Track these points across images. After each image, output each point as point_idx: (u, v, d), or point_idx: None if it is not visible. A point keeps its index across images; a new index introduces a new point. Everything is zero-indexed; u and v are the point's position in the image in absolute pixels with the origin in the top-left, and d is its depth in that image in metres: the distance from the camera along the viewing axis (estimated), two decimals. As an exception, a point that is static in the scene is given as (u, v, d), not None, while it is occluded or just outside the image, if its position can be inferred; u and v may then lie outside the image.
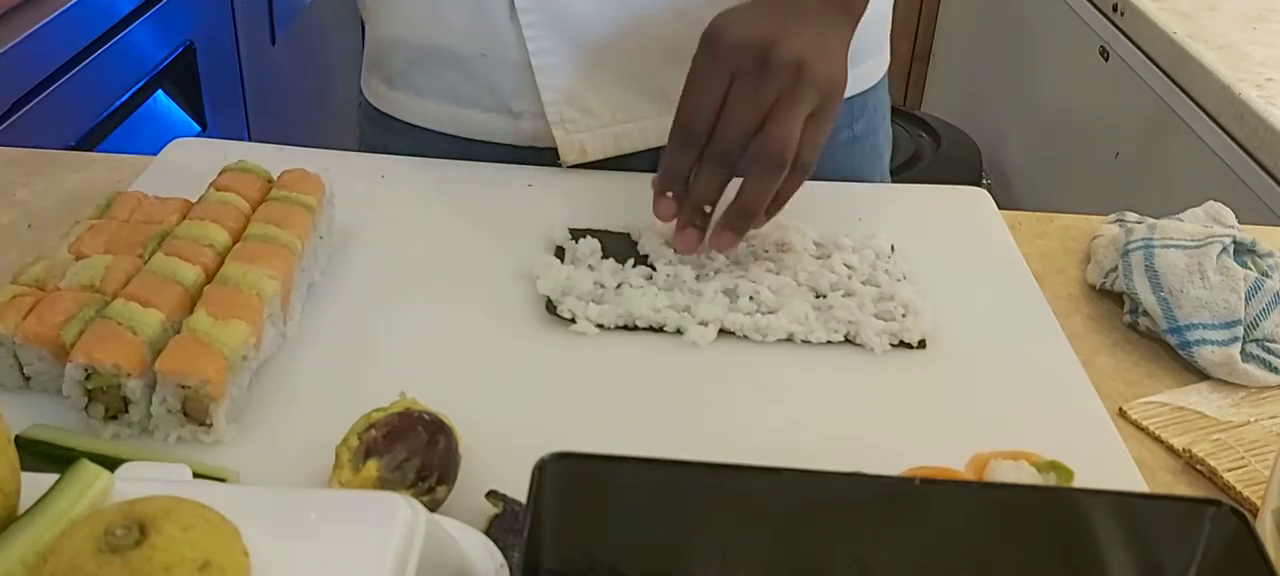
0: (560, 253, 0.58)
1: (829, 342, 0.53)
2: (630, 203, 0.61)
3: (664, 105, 0.64)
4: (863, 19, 0.66)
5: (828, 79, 0.52)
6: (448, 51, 0.65)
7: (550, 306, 0.53)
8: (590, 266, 0.56)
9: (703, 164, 0.53)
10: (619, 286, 0.55)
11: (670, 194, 0.55)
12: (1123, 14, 1.25)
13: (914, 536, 0.34)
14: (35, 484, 0.30)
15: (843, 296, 0.55)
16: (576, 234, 0.59)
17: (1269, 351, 0.54)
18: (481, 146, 0.67)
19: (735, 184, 0.54)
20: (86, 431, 0.44)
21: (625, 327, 0.53)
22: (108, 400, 0.44)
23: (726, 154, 0.52)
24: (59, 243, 0.51)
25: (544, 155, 0.66)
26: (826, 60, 0.52)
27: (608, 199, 0.63)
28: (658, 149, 0.65)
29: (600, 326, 0.53)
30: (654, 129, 0.65)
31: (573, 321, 0.53)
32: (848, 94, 0.68)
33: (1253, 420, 0.51)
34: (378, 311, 0.54)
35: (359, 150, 0.73)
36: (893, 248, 0.60)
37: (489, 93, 0.65)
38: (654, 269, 0.56)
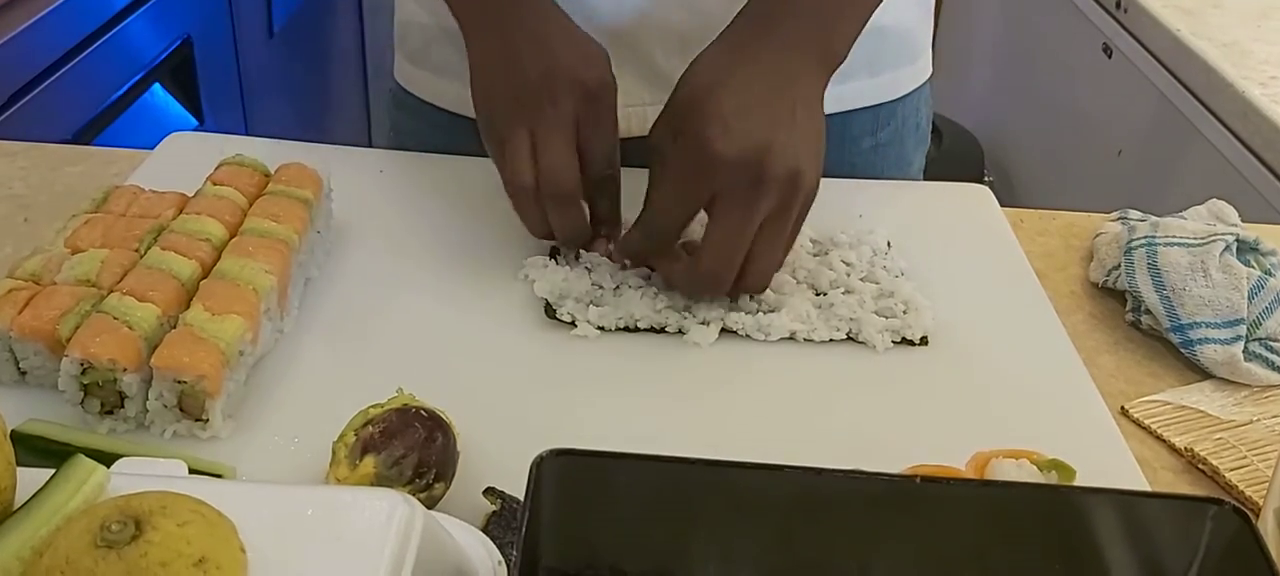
0: (554, 251, 0.58)
1: (831, 341, 0.53)
2: (629, 199, 0.60)
3: (665, 92, 0.64)
4: (886, 32, 0.65)
5: (815, 178, 0.50)
6: (458, 32, 0.65)
7: (549, 310, 0.53)
8: (588, 267, 0.56)
9: (691, 282, 0.52)
10: (618, 287, 0.54)
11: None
12: (1126, 11, 1.25)
13: (915, 534, 0.34)
14: (31, 479, 0.30)
15: (843, 294, 0.55)
16: None
17: (1271, 350, 0.54)
18: None
19: None
20: (82, 426, 0.44)
21: (625, 329, 0.53)
22: (104, 395, 0.44)
23: (716, 280, 0.51)
24: (55, 236, 0.51)
25: None
26: (814, 157, 0.50)
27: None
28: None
29: (601, 328, 0.52)
30: (653, 115, 0.65)
31: (573, 325, 0.52)
32: (872, 103, 0.68)
33: (1255, 419, 0.51)
34: (375, 307, 0.54)
35: (390, 137, 0.74)
36: (889, 244, 0.60)
37: None
38: (653, 268, 0.56)
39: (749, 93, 0.50)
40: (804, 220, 0.52)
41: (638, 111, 0.64)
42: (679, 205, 0.51)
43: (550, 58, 0.53)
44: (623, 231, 0.56)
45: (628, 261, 0.55)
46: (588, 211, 0.55)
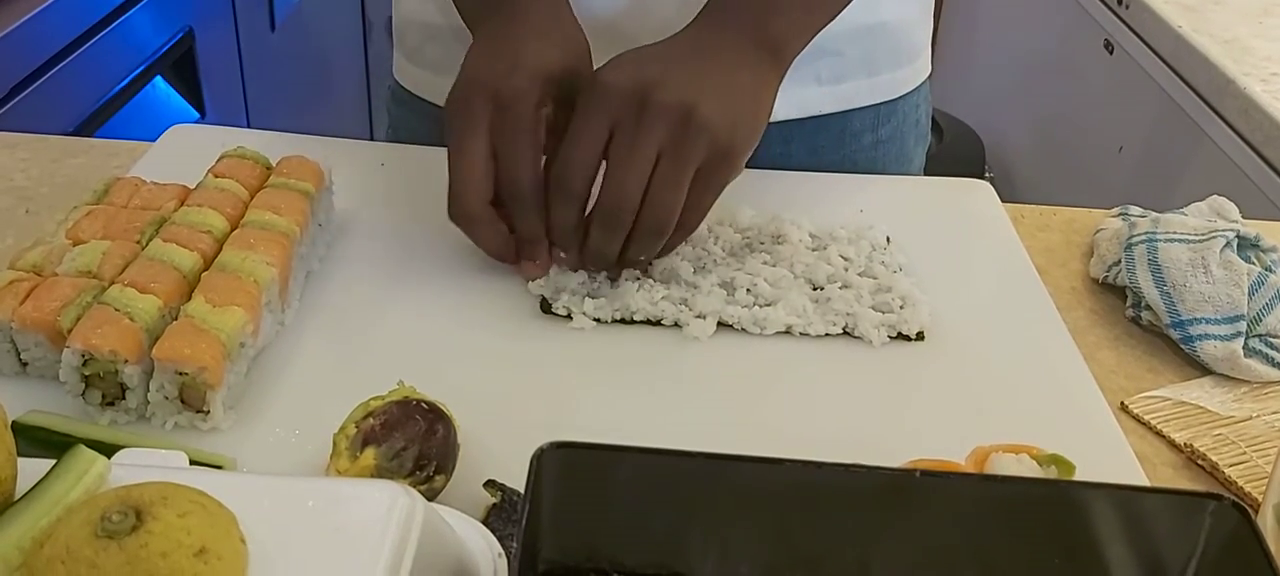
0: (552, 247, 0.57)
1: (827, 335, 0.53)
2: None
3: None
4: (885, 32, 0.65)
5: (724, 126, 0.48)
6: (457, 28, 0.65)
7: (545, 306, 0.53)
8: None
9: (593, 226, 0.51)
10: (613, 280, 0.54)
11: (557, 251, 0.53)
12: (1128, 7, 1.25)
13: (914, 528, 0.34)
14: (32, 469, 0.30)
15: (840, 288, 0.55)
16: None
17: (1271, 346, 0.54)
18: None
19: None
20: (83, 417, 0.44)
21: (622, 321, 0.53)
22: (105, 386, 0.44)
23: (616, 218, 0.49)
24: (56, 228, 0.51)
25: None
26: (723, 105, 0.48)
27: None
28: None
29: (597, 321, 0.52)
30: None
31: (569, 318, 0.52)
32: (872, 102, 0.68)
33: (1255, 415, 0.51)
34: (376, 299, 0.54)
35: (388, 134, 0.73)
36: (888, 239, 0.60)
37: None
38: (649, 262, 0.56)
39: (664, 53, 0.50)
40: (727, 172, 0.50)
41: None
42: (576, 142, 0.49)
43: (477, 64, 0.52)
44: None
45: (567, 259, 0.53)
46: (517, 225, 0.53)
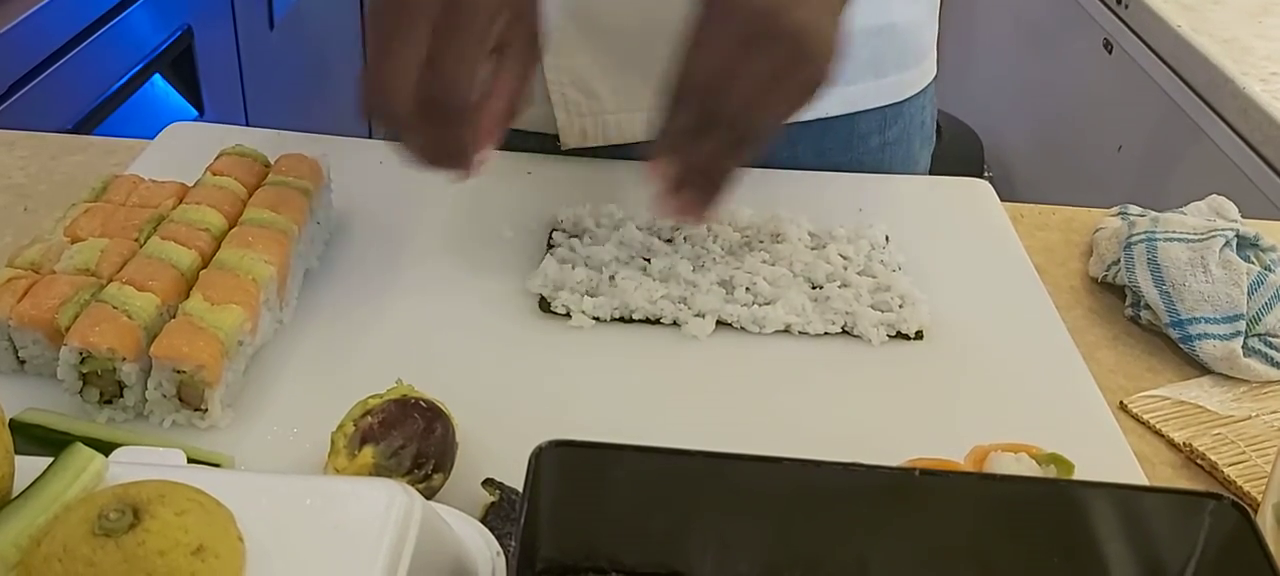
0: (551, 246, 0.57)
1: (826, 334, 0.53)
2: (628, 191, 0.60)
3: None
4: (892, 34, 0.64)
5: (826, 52, 0.48)
6: None
7: (544, 304, 0.53)
8: (587, 262, 0.56)
9: (703, 133, 0.48)
10: (612, 277, 0.54)
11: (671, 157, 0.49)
12: (1127, 7, 1.25)
13: (913, 527, 0.34)
14: (29, 467, 0.30)
15: (839, 287, 0.55)
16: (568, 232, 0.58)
17: (1271, 346, 0.54)
18: None
19: None
20: (81, 415, 0.44)
21: (621, 320, 0.53)
22: (103, 384, 0.44)
23: (733, 125, 0.47)
24: (55, 226, 0.51)
25: (546, 142, 0.66)
26: (828, 30, 0.48)
27: (607, 187, 0.63)
28: None
29: (596, 319, 0.52)
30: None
31: (568, 316, 0.52)
32: (880, 104, 0.67)
33: (1254, 415, 0.51)
34: (375, 297, 0.54)
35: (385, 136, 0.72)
36: (887, 238, 0.60)
37: None
38: (649, 260, 0.56)
39: None
40: (816, 85, 0.48)
41: (640, 117, 0.64)
42: (703, 57, 0.47)
43: None
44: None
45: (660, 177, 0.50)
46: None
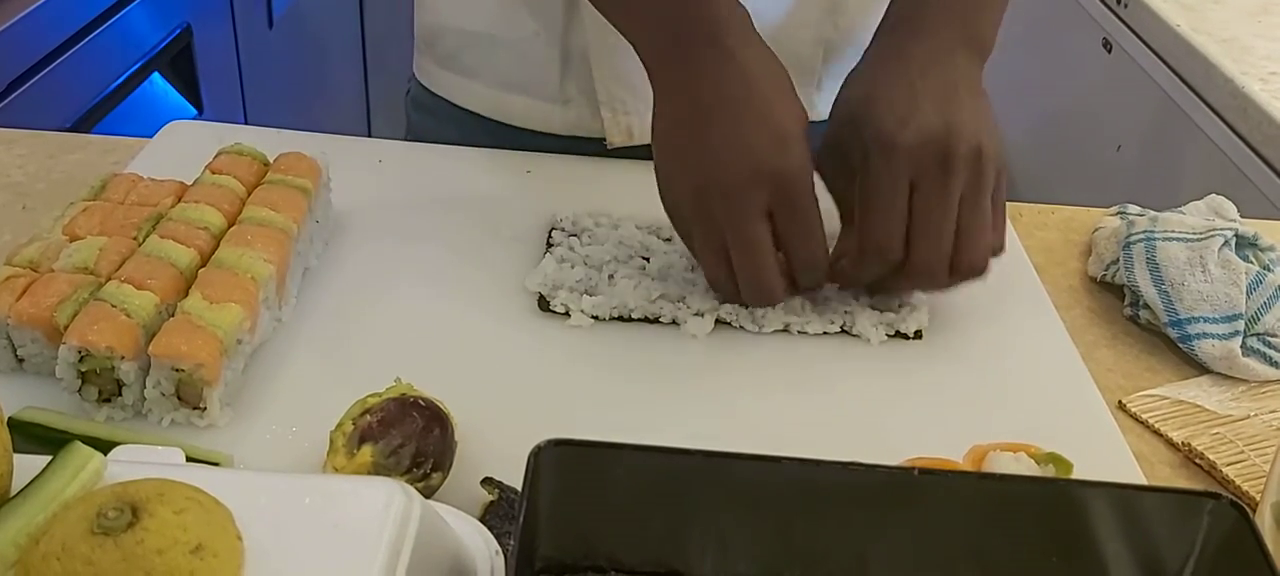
0: (550, 245, 0.57)
1: (825, 333, 0.53)
2: (628, 191, 0.60)
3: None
4: None
5: (999, 150, 0.49)
6: (500, 32, 0.64)
7: (542, 303, 0.53)
8: (586, 261, 0.56)
9: (902, 279, 0.51)
10: (611, 276, 0.54)
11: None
12: (1126, 6, 1.25)
13: (912, 526, 0.34)
14: (28, 466, 0.30)
15: (838, 287, 0.55)
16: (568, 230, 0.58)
17: (1269, 345, 0.54)
18: (525, 134, 0.66)
19: None
20: (80, 414, 0.44)
21: (620, 319, 0.53)
22: (101, 383, 0.44)
23: (931, 271, 0.50)
24: (53, 224, 0.51)
25: (588, 145, 0.65)
26: (994, 130, 0.50)
27: (606, 187, 0.63)
28: None
29: (595, 318, 0.52)
30: None
31: (567, 315, 0.52)
32: None
33: (1252, 414, 0.51)
34: (374, 296, 0.54)
35: (406, 139, 0.72)
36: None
37: (537, 74, 0.65)
38: (647, 259, 0.56)
39: (909, 87, 0.50)
40: (1004, 195, 0.51)
41: None
42: (886, 213, 0.49)
43: (740, 140, 0.48)
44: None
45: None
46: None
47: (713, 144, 0.49)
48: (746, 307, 0.53)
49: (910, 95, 0.49)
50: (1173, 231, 0.58)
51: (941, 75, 0.50)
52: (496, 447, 0.43)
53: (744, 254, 0.49)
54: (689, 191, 0.50)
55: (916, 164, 0.48)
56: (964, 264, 0.50)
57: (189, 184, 0.54)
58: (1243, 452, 0.48)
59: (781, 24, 0.61)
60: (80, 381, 0.44)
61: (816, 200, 0.50)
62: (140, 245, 0.49)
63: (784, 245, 0.50)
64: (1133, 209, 0.64)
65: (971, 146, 0.48)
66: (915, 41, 0.52)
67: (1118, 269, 0.59)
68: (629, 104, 0.64)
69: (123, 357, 0.43)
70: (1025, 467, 0.42)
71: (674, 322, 0.53)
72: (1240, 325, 0.54)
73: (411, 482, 0.39)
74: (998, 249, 0.51)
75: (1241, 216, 0.62)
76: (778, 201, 0.49)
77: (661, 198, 0.52)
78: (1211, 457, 0.48)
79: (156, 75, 1.22)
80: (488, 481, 0.41)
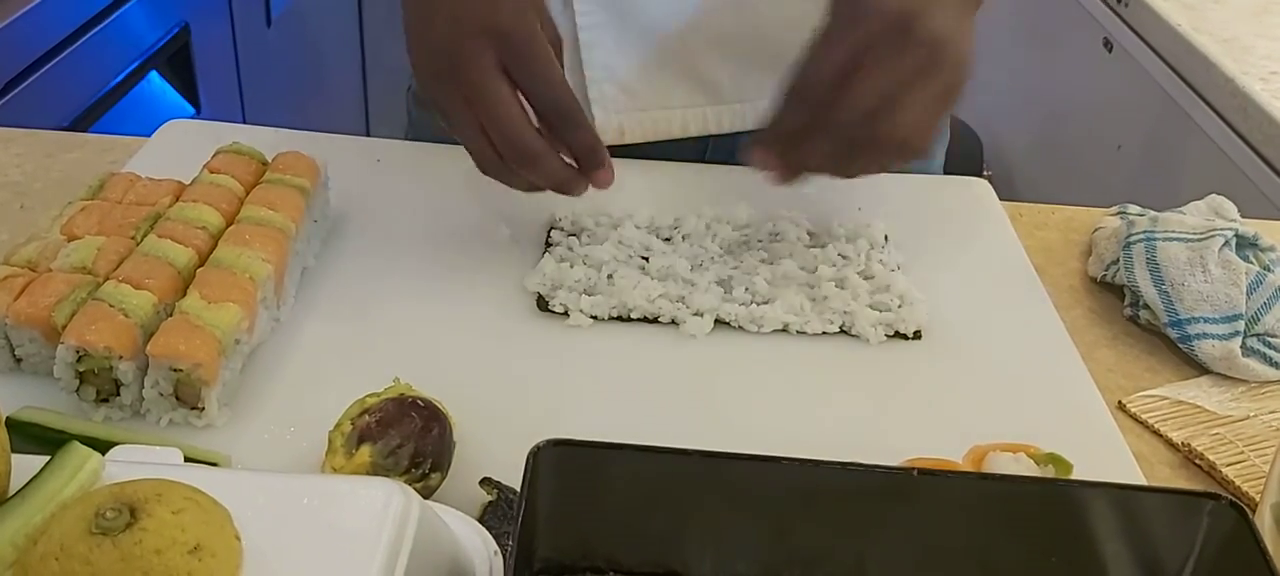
0: (549, 244, 0.57)
1: (824, 333, 0.53)
2: (627, 191, 0.60)
3: (708, 97, 0.63)
4: None
5: (962, 63, 0.49)
6: None
7: (541, 303, 0.53)
8: (585, 260, 0.56)
9: (817, 133, 0.49)
10: (610, 276, 0.54)
11: (769, 149, 0.51)
12: (1127, 5, 1.25)
13: (912, 527, 0.34)
14: (26, 466, 0.30)
15: (837, 287, 0.55)
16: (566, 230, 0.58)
17: (1269, 346, 0.54)
18: None
19: None
20: (77, 414, 0.44)
21: (619, 319, 0.52)
22: (99, 382, 0.44)
23: (850, 129, 0.48)
24: (51, 223, 0.51)
25: None
26: (963, 41, 0.49)
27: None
28: (692, 139, 0.64)
29: (594, 318, 0.52)
30: (694, 119, 0.63)
31: (566, 315, 0.52)
32: None
33: (1252, 415, 0.51)
34: (372, 296, 0.54)
35: (408, 134, 0.72)
36: (886, 237, 0.59)
37: None
38: (647, 259, 0.56)
39: None
40: (953, 106, 0.50)
41: (678, 115, 0.64)
42: (827, 51, 0.48)
43: (455, 9, 0.48)
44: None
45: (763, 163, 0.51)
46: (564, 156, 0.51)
47: (436, 22, 0.49)
48: (744, 307, 0.53)
49: None
50: (1173, 231, 0.58)
51: None
52: (495, 448, 0.43)
53: (489, 111, 0.49)
54: (428, 74, 0.50)
55: (870, 31, 0.47)
56: (887, 135, 0.48)
57: (187, 183, 0.54)
58: (1242, 453, 0.48)
59: (773, 24, 0.60)
60: (78, 381, 0.43)
61: (548, 49, 0.49)
62: (138, 245, 0.49)
63: (527, 96, 0.49)
64: (1133, 209, 0.64)
65: (933, 33, 0.47)
66: None
67: (1118, 269, 0.59)
68: (620, 102, 0.64)
69: (121, 357, 0.43)
70: (1025, 468, 0.42)
71: (673, 322, 0.53)
72: (1240, 325, 0.54)
73: (410, 483, 0.39)
74: (920, 151, 0.50)
75: (1241, 216, 0.62)
76: (507, 56, 0.48)
77: (419, 94, 0.52)
78: (1211, 458, 0.48)
79: (154, 74, 1.21)
80: (486, 481, 0.41)
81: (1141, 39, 1.22)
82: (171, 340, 0.43)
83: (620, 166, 0.65)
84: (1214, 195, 0.64)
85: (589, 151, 0.52)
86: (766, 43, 0.55)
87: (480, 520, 0.39)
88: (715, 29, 0.61)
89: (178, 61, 1.26)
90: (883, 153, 0.49)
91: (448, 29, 0.48)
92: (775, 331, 0.53)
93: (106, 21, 1.09)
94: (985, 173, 1.61)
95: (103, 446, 0.33)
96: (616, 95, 0.64)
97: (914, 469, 0.36)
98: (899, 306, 0.54)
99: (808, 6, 0.59)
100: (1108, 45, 1.32)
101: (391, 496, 0.31)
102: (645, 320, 0.53)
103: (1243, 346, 0.54)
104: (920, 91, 0.48)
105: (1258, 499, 0.42)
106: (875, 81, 0.48)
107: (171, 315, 0.45)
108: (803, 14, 0.63)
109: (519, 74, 0.49)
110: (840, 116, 0.48)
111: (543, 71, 0.49)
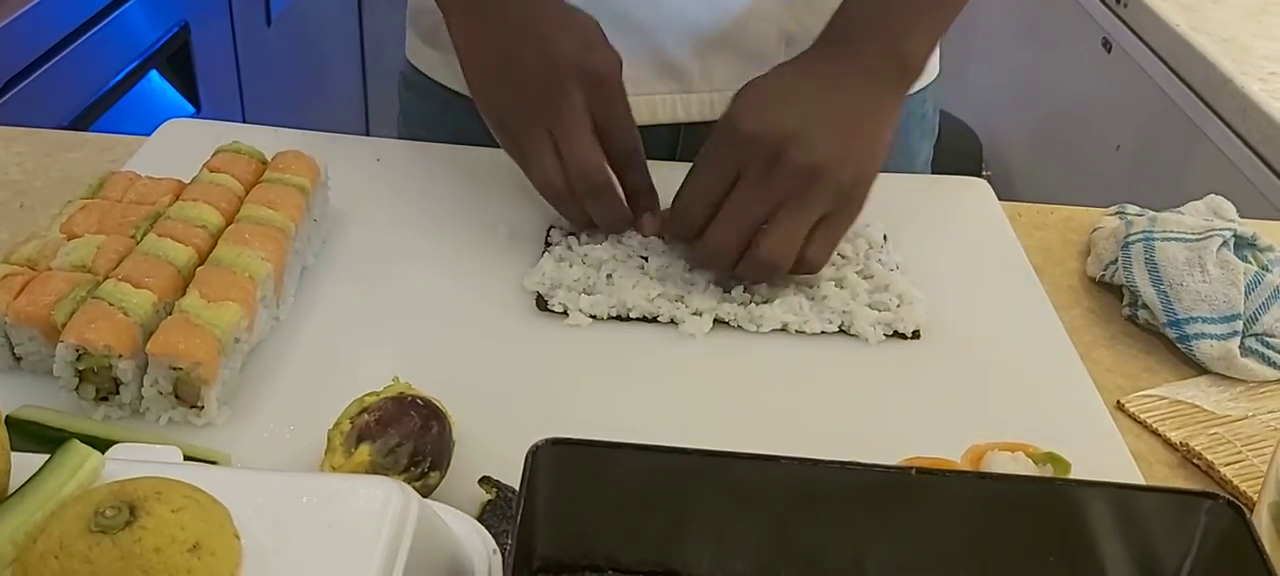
0: (549, 244, 0.57)
1: (823, 333, 0.53)
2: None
3: (676, 84, 0.64)
4: None
5: (848, 181, 0.50)
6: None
7: (541, 302, 0.53)
8: (584, 260, 0.56)
9: (695, 251, 0.53)
10: (609, 276, 0.54)
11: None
12: (1126, 6, 1.25)
13: (910, 526, 0.34)
14: (25, 464, 0.30)
15: (836, 286, 0.55)
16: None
17: (1268, 346, 0.54)
18: None
19: None
20: (77, 412, 0.44)
21: (619, 318, 0.53)
22: (99, 381, 0.44)
23: (716, 257, 0.52)
24: (51, 222, 0.51)
25: None
26: (850, 157, 0.50)
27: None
28: (662, 126, 0.64)
29: (594, 317, 0.52)
30: (662, 106, 0.64)
31: (565, 314, 0.52)
32: None
33: (1250, 414, 0.51)
34: (371, 295, 0.54)
35: (398, 119, 0.74)
36: (885, 237, 0.60)
37: None
38: (646, 259, 0.56)
39: (796, 91, 0.52)
40: (848, 220, 0.52)
41: (647, 100, 0.64)
42: (702, 184, 0.52)
43: (548, 48, 0.52)
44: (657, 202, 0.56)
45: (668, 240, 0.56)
46: (622, 194, 0.55)
47: (523, 55, 0.52)
48: (743, 306, 0.53)
49: (781, 96, 0.51)
50: (1171, 231, 0.58)
51: (845, 101, 0.52)
52: (494, 446, 0.43)
53: (571, 143, 0.52)
54: (511, 100, 0.53)
55: (744, 153, 0.50)
56: (754, 256, 0.51)
57: (187, 182, 0.54)
58: (1240, 453, 0.48)
59: (742, 16, 0.60)
60: (78, 380, 0.44)
61: (626, 93, 0.53)
62: (138, 243, 0.49)
63: (603, 135, 0.53)
64: (1131, 209, 0.64)
65: (810, 161, 0.49)
66: (830, 59, 0.53)
67: (1116, 269, 0.59)
68: None
69: (120, 356, 0.43)
70: (1023, 467, 0.42)
71: (672, 322, 0.53)
72: (1238, 325, 0.54)
73: (409, 481, 0.39)
74: (809, 267, 0.52)
75: (1241, 216, 0.62)
76: (595, 96, 0.52)
77: (487, 118, 0.55)
78: (1209, 458, 0.48)
79: (154, 73, 1.22)
80: (485, 480, 0.41)
81: (1140, 39, 1.22)
82: (171, 339, 0.43)
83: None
84: (1213, 195, 0.64)
85: (645, 193, 0.56)
86: (734, 33, 0.56)
87: (479, 519, 0.39)
88: (685, 18, 0.61)
89: (178, 61, 1.26)
90: (756, 273, 0.52)
91: (540, 65, 0.52)
92: (774, 331, 0.53)
93: (106, 21, 1.09)
94: (984, 172, 1.61)
95: (102, 445, 0.33)
96: None
97: (913, 468, 0.36)
98: (898, 306, 0.54)
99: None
100: (1107, 45, 1.32)
101: (391, 495, 0.31)
102: (644, 319, 0.53)
103: (1241, 346, 0.54)
104: (794, 217, 0.50)
105: (1255, 498, 0.43)
106: (746, 205, 0.50)
107: (171, 314, 0.45)
108: (769, 6, 0.63)
109: (603, 113, 0.53)
110: (710, 239, 0.52)
111: (624, 113, 0.54)
